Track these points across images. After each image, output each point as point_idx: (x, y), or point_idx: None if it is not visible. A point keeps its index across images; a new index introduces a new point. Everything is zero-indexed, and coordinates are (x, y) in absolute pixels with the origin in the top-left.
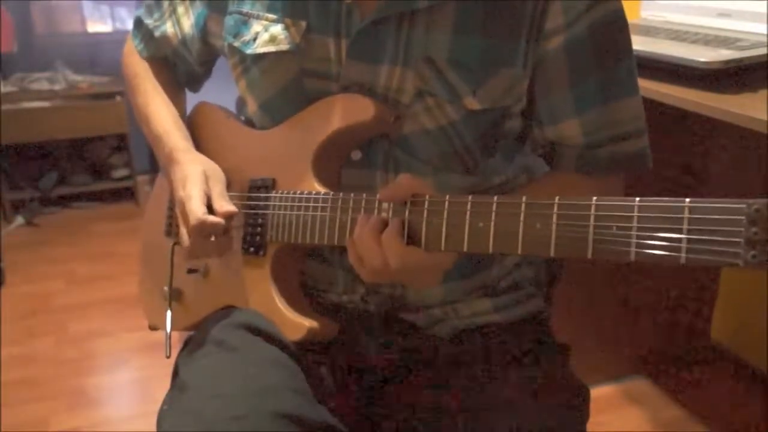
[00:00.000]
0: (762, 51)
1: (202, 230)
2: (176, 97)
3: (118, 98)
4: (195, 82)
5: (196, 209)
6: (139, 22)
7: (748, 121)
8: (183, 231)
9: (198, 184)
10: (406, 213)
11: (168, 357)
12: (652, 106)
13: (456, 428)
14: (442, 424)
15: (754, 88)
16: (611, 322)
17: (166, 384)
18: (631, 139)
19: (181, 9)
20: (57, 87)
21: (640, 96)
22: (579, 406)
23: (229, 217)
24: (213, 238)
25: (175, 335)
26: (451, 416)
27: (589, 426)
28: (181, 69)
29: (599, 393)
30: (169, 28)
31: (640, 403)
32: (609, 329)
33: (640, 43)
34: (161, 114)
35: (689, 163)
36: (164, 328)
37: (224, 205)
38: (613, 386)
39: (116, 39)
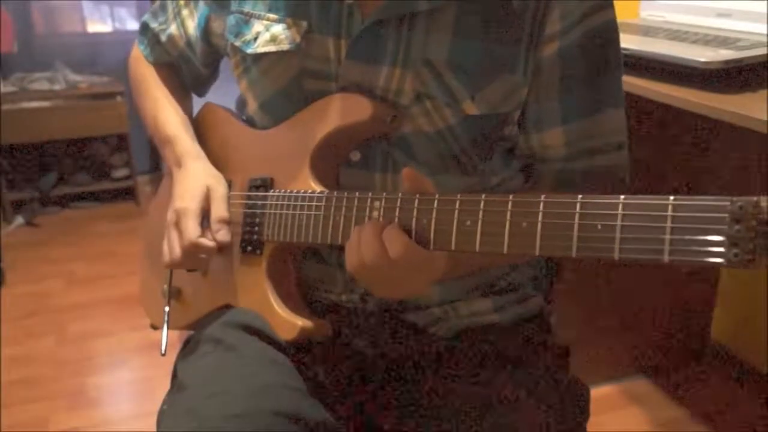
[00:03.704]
0: (762, 51)
1: (194, 253)
2: (183, 101)
3: (118, 98)
4: (201, 85)
5: (192, 230)
6: (145, 27)
7: (748, 121)
8: (175, 242)
9: (198, 200)
10: (396, 212)
11: (163, 355)
12: (652, 106)
13: (456, 428)
14: (441, 423)
15: (754, 88)
16: (611, 322)
17: (166, 384)
18: (612, 152)
19: (185, 11)
20: (57, 87)
21: (623, 109)
22: (579, 406)
23: (222, 245)
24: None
25: (174, 335)
26: (450, 416)
27: (589, 426)
28: (186, 72)
29: (599, 393)
30: (174, 30)
31: (640, 403)
32: (609, 329)
33: (639, 43)
34: (171, 118)
35: (689, 163)
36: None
37: (220, 231)
38: (613, 386)
39: (116, 39)
